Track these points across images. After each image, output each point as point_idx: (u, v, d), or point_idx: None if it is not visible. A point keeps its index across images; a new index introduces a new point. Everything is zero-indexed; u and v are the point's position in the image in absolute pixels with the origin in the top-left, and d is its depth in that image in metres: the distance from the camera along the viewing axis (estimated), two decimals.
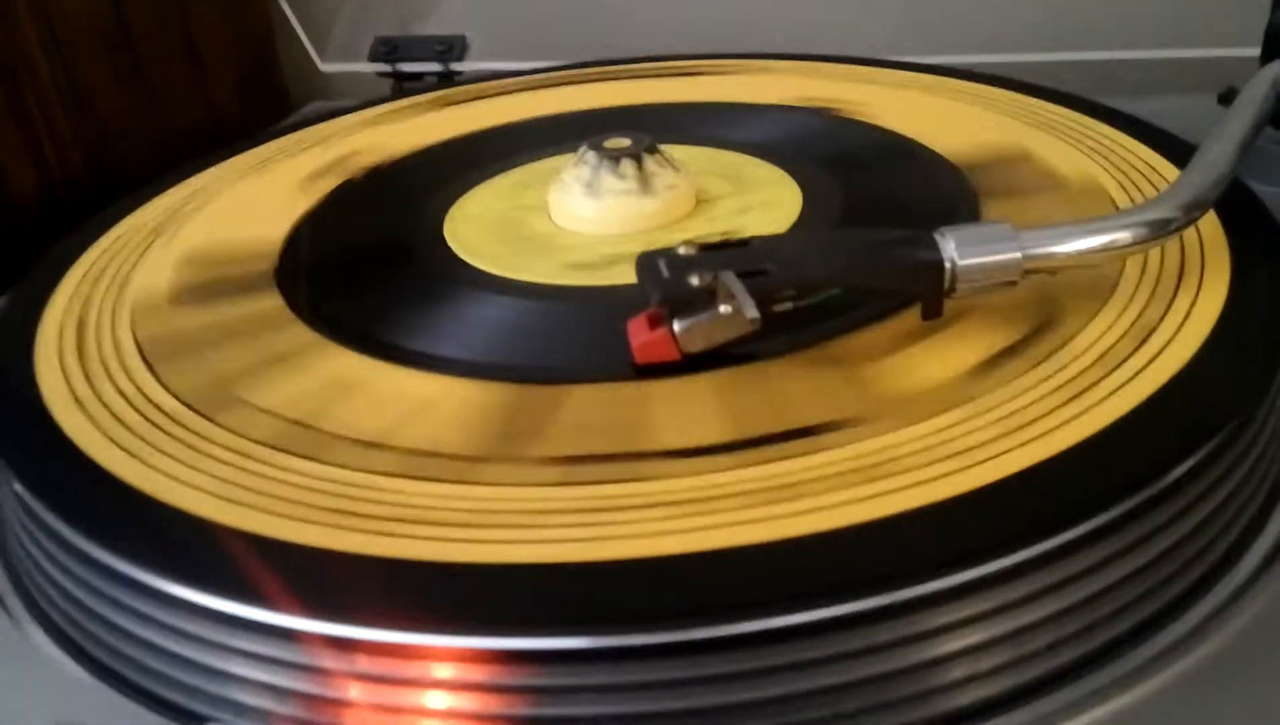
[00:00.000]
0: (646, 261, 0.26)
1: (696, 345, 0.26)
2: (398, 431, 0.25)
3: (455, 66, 0.57)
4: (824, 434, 0.23)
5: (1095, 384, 0.24)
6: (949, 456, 0.22)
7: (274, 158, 0.42)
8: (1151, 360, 0.25)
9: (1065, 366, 0.25)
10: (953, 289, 0.26)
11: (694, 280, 0.25)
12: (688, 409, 0.25)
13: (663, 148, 0.34)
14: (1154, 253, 0.29)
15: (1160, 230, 0.27)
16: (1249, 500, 0.25)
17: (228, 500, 0.23)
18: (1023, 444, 0.23)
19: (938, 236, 0.26)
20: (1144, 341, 0.26)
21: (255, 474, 0.24)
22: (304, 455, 0.24)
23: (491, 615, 0.20)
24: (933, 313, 0.26)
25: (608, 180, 0.33)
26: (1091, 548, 0.21)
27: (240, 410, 0.26)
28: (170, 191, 0.40)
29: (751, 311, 0.24)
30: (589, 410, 0.25)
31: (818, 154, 0.37)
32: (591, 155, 0.33)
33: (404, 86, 0.58)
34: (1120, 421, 0.23)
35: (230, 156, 0.42)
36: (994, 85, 0.43)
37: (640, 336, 0.26)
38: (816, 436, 0.23)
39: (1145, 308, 0.27)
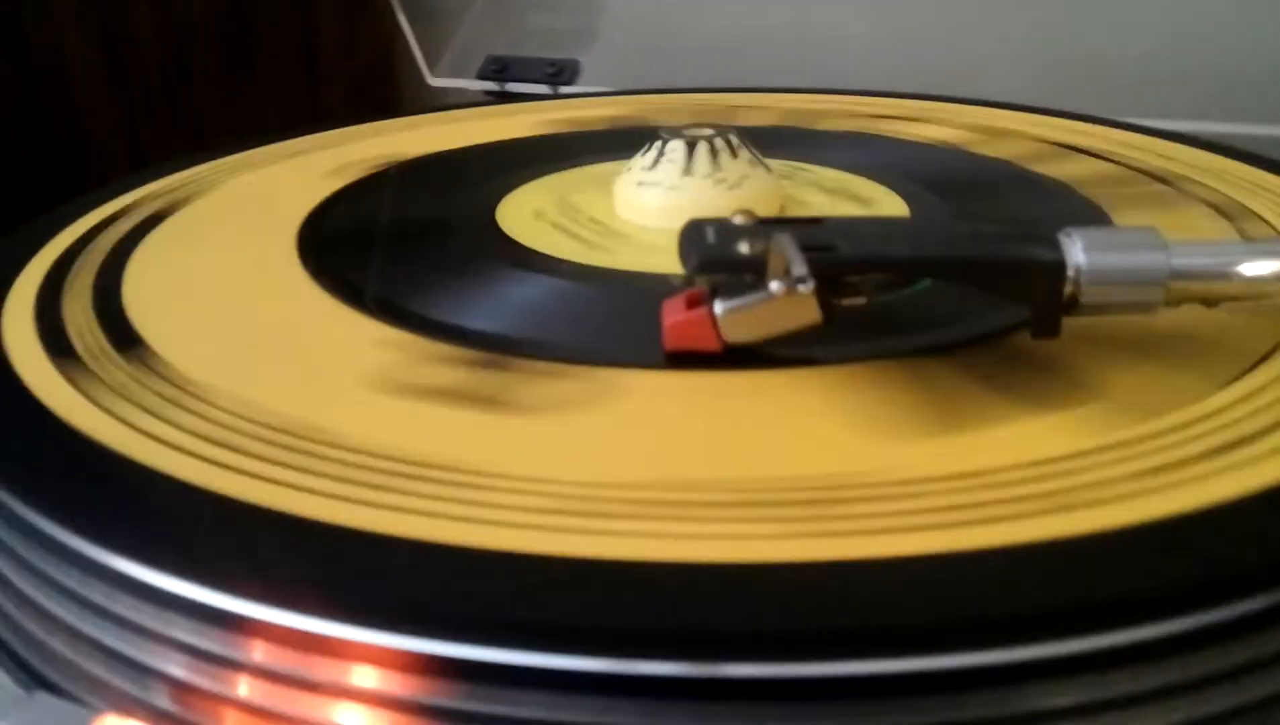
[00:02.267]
0: (692, 228, 0.21)
1: (741, 334, 0.21)
2: None
3: (564, 90, 0.54)
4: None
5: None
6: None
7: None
8: None
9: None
10: (1075, 302, 0.20)
11: (743, 247, 0.20)
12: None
13: (753, 147, 0.30)
14: None
15: None
16: None
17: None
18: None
19: (1063, 236, 0.21)
20: None
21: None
22: None
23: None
24: (1047, 330, 0.21)
25: (675, 165, 0.29)
26: None
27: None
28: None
29: (801, 271, 0.19)
30: None
31: (941, 181, 0.32)
32: (663, 141, 0.29)
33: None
34: None
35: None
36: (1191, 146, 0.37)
37: (674, 315, 0.21)
38: None
39: None
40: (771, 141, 0.35)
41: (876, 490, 0.17)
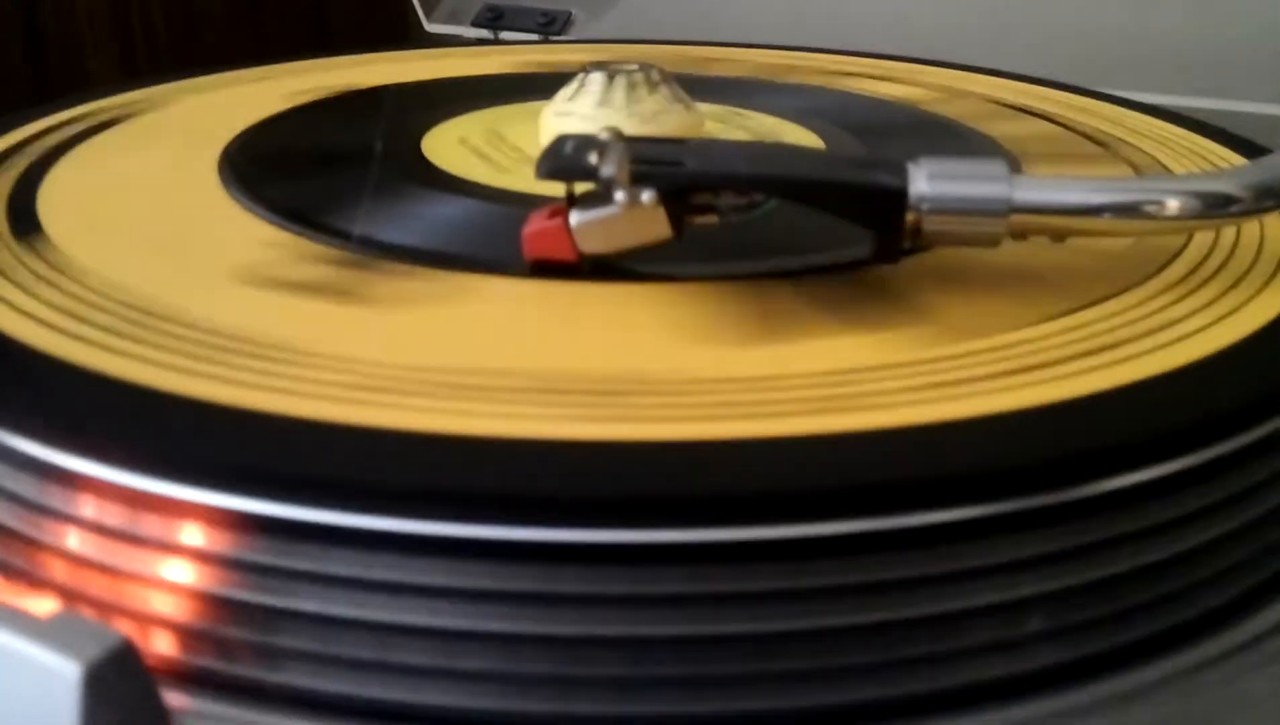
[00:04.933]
0: (557, 141, 0.22)
1: (595, 244, 0.21)
2: None
3: (555, 39, 0.55)
4: None
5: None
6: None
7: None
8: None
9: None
10: (917, 231, 0.21)
11: (592, 159, 0.21)
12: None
13: (677, 86, 0.30)
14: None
15: (1215, 207, 0.21)
16: None
17: None
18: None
19: (910, 164, 0.21)
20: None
21: None
22: None
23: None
24: (886, 255, 0.21)
25: (592, 97, 0.29)
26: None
27: None
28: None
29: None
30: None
31: (871, 130, 0.32)
32: (585, 74, 0.30)
33: None
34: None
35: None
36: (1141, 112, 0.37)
37: (533, 225, 0.22)
38: None
39: (1172, 303, 0.21)
40: (729, 91, 0.36)
41: (676, 386, 0.18)
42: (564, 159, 0.21)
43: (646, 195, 0.20)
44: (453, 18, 0.57)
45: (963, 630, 0.16)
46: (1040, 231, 0.21)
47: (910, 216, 0.21)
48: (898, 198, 0.21)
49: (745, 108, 0.35)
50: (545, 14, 0.55)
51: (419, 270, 0.22)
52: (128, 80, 0.38)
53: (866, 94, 0.37)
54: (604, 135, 0.22)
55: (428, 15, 0.57)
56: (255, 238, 0.24)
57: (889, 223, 0.21)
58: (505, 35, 0.56)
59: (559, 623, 0.15)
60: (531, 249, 0.22)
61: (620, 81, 0.30)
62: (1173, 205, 0.21)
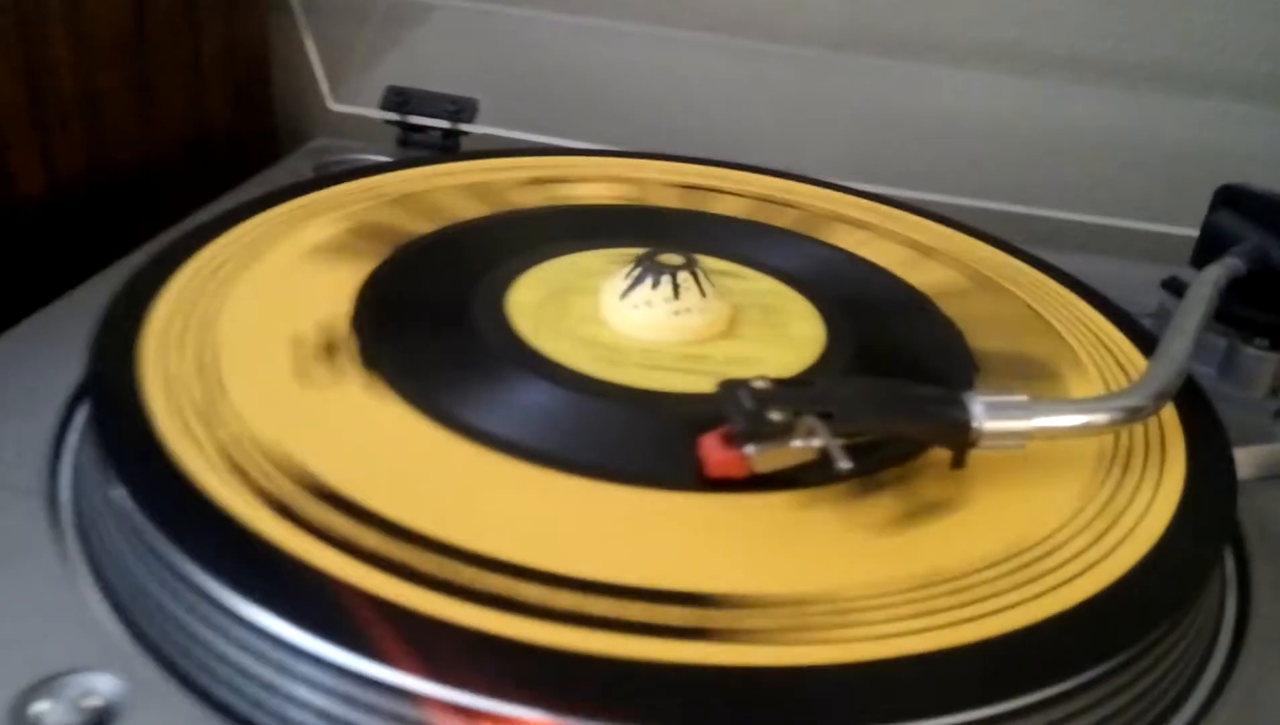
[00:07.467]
0: (729, 391, 0.30)
1: (765, 467, 0.30)
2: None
3: (463, 127, 0.60)
4: None
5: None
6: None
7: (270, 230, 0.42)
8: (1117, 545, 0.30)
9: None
10: (974, 445, 0.31)
11: (775, 416, 0.29)
12: None
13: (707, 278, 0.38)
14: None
15: (1133, 416, 0.33)
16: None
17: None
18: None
19: (965, 398, 0.31)
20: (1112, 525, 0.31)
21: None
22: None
23: None
24: (959, 463, 0.31)
25: (665, 295, 0.37)
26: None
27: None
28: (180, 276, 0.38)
29: (844, 463, 0.28)
30: None
31: (824, 279, 0.42)
32: (648, 271, 0.37)
33: (410, 138, 0.60)
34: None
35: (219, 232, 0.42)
36: (922, 216, 0.50)
37: (715, 454, 0.30)
38: None
39: (1115, 491, 0.32)
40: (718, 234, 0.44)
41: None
42: (754, 417, 0.29)
43: (843, 459, 0.29)
44: (357, 99, 0.60)
45: None
46: (1043, 438, 0.32)
47: (972, 437, 0.31)
48: (966, 427, 0.31)
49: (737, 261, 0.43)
50: (454, 101, 0.60)
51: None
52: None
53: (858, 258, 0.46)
54: (759, 383, 0.31)
55: (334, 94, 0.60)
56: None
57: (960, 443, 0.31)
58: (413, 119, 0.60)
59: None
60: (714, 471, 0.30)
61: (684, 276, 0.37)
62: (1116, 418, 0.32)
